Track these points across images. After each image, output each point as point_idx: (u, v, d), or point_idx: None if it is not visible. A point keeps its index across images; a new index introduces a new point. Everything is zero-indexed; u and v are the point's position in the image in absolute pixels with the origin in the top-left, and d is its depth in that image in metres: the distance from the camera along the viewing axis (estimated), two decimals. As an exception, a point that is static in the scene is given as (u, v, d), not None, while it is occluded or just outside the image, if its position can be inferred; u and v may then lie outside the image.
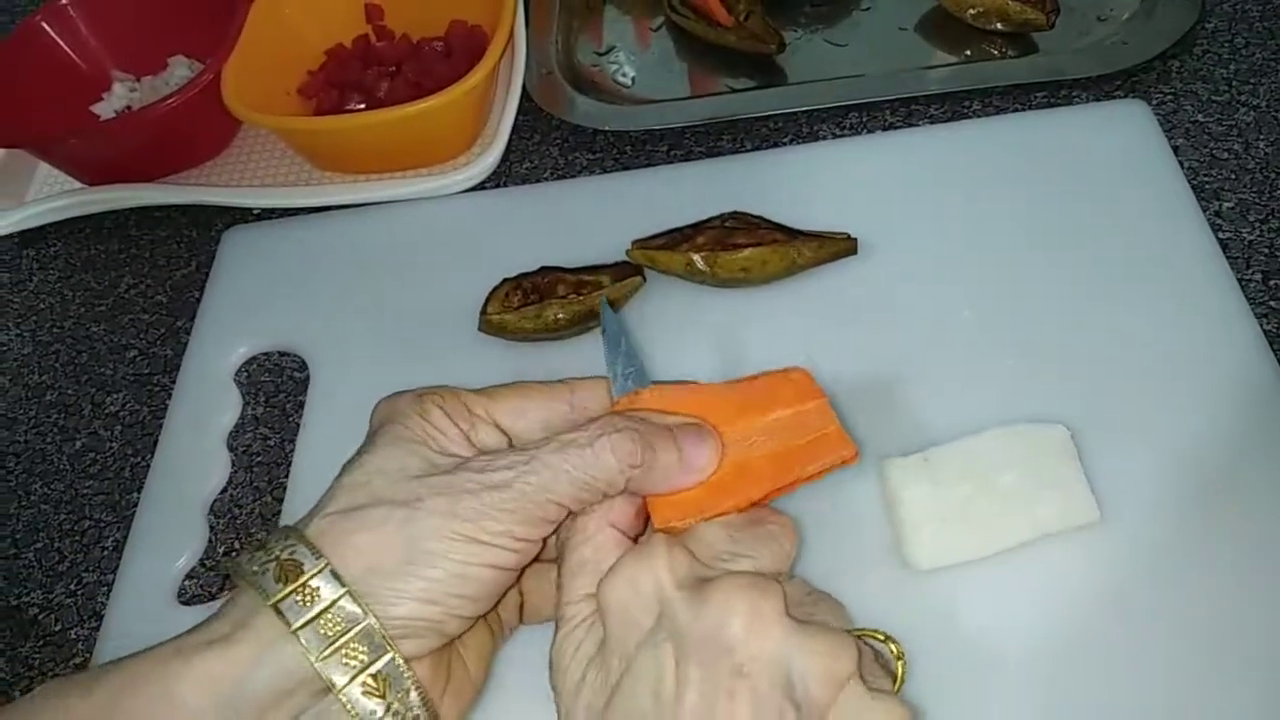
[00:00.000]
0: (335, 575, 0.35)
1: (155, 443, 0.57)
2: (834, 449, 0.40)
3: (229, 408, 0.58)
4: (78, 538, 0.56)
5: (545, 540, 0.38)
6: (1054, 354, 0.51)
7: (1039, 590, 0.44)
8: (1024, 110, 0.62)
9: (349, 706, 0.34)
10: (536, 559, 0.39)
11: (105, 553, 0.55)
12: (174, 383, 0.60)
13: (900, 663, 0.37)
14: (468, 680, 0.40)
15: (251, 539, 0.53)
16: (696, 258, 0.54)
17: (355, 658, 0.34)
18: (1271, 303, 0.52)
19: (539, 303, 0.55)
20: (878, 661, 0.37)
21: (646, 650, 0.34)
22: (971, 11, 0.65)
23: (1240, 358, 0.49)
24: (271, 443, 0.57)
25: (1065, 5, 0.64)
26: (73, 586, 0.54)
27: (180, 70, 0.76)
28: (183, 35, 0.75)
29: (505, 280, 0.57)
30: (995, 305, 0.53)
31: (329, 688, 0.34)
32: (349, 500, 0.37)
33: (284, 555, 0.35)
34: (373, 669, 0.35)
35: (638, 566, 0.36)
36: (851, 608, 0.39)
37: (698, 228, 0.56)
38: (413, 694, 0.36)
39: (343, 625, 0.34)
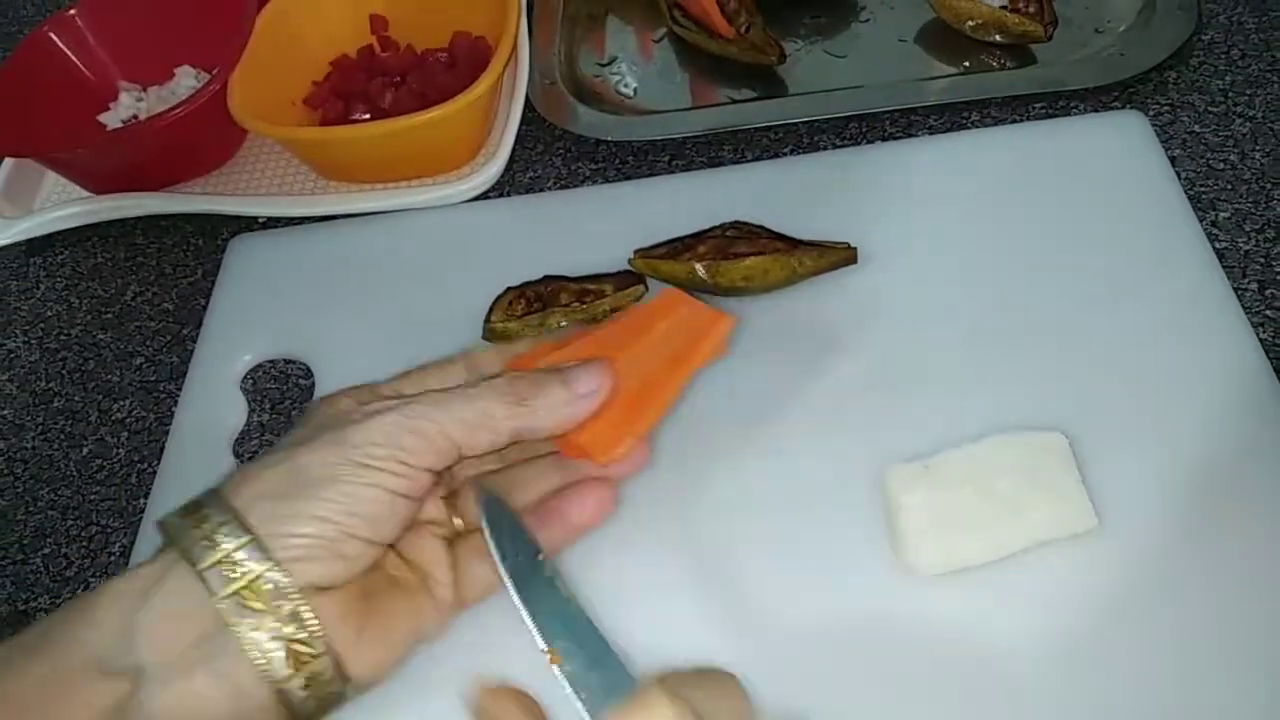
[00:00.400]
0: (227, 504, 0.37)
1: (162, 449, 0.58)
2: (712, 328, 0.47)
3: (235, 414, 0.59)
4: (85, 543, 0.56)
5: (440, 475, 0.41)
6: (1053, 362, 0.51)
7: (1039, 596, 0.44)
8: (1022, 121, 0.62)
9: (230, 620, 0.36)
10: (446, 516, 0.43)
11: (112, 558, 0.55)
12: (180, 390, 0.60)
13: None
14: (383, 644, 0.40)
15: None
16: (698, 267, 0.55)
17: (238, 568, 0.36)
18: (1267, 311, 0.52)
19: (542, 311, 0.55)
20: None
21: None
22: (970, 23, 0.66)
23: (1237, 366, 0.49)
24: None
25: (1063, 17, 0.65)
26: (80, 591, 0.55)
27: (187, 80, 0.76)
28: (189, 46, 0.76)
29: (509, 289, 0.57)
30: (994, 314, 0.53)
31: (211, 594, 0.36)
32: (262, 459, 0.40)
33: (194, 499, 0.39)
34: (254, 576, 0.36)
35: None
36: (852, 613, 0.39)
37: (699, 237, 0.57)
38: (300, 611, 0.36)
39: (229, 541, 0.36)
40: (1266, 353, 0.50)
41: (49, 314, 0.68)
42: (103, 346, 0.65)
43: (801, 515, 0.46)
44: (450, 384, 0.43)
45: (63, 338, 0.67)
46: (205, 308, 0.64)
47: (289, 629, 0.36)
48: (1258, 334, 0.51)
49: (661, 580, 0.47)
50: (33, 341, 0.67)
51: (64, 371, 0.65)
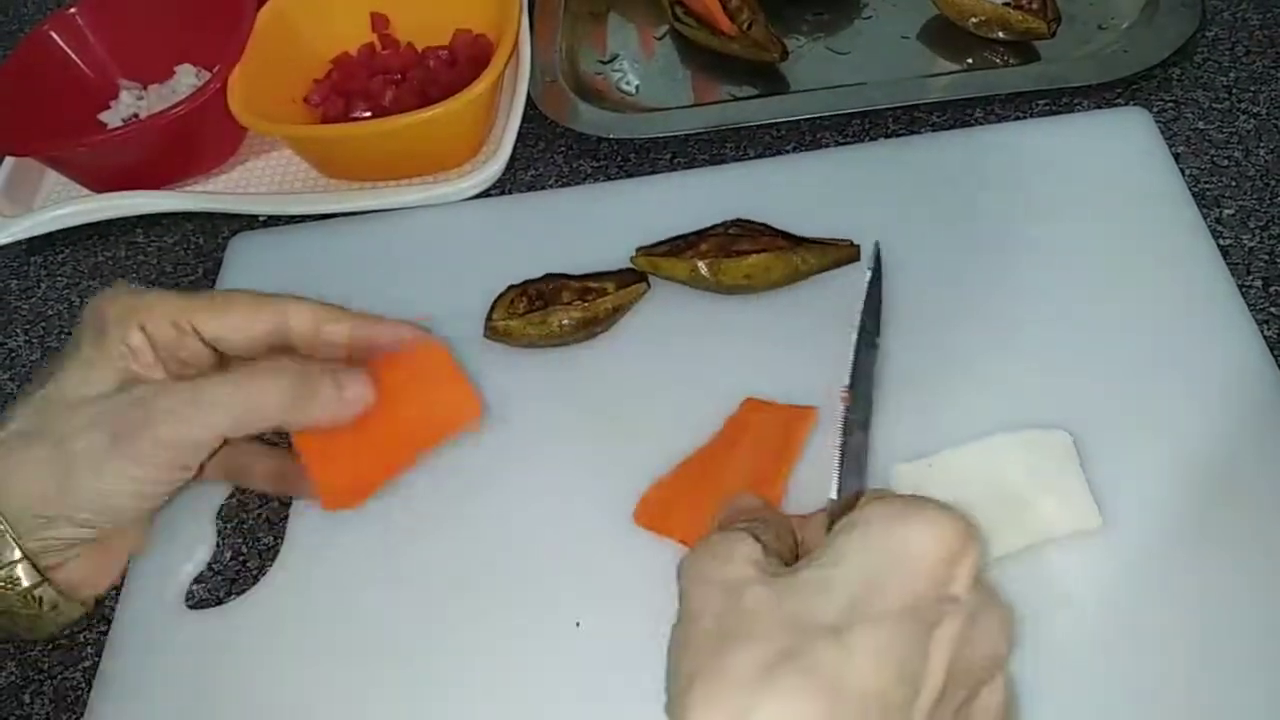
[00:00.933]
0: None
1: (163, 448, 0.58)
2: (461, 412, 0.49)
3: (236, 413, 0.58)
4: (86, 542, 0.56)
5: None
6: (1057, 359, 0.51)
7: (1045, 594, 0.44)
8: (1026, 118, 0.62)
9: None
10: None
11: (113, 557, 0.55)
12: (181, 389, 0.60)
13: None
14: (109, 567, 0.45)
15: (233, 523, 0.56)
16: (700, 265, 0.55)
17: None
18: (1272, 309, 0.52)
19: (544, 309, 0.55)
20: None
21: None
22: (973, 20, 0.66)
23: (1241, 363, 0.49)
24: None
25: (1067, 14, 0.65)
26: (81, 591, 0.54)
27: (187, 79, 0.76)
28: (190, 44, 0.76)
29: (510, 287, 0.57)
30: (997, 311, 0.53)
31: None
32: (22, 426, 0.41)
33: None
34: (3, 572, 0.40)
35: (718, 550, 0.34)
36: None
37: (701, 235, 0.57)
38: (40, 590, 0.41)
39: None
40: (1271, 350, 0.50)
41: (49, 313, 0.68)
42: (103, 345, 0.65)
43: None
44: (254, 334, 0.44)
45: (63, 336, 0.67)
46: (206, 306, 0.64)
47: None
48: (1262, 331, 0.50)
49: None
50: (34, 340, 0.67)
51: (65, 370, 0.65)
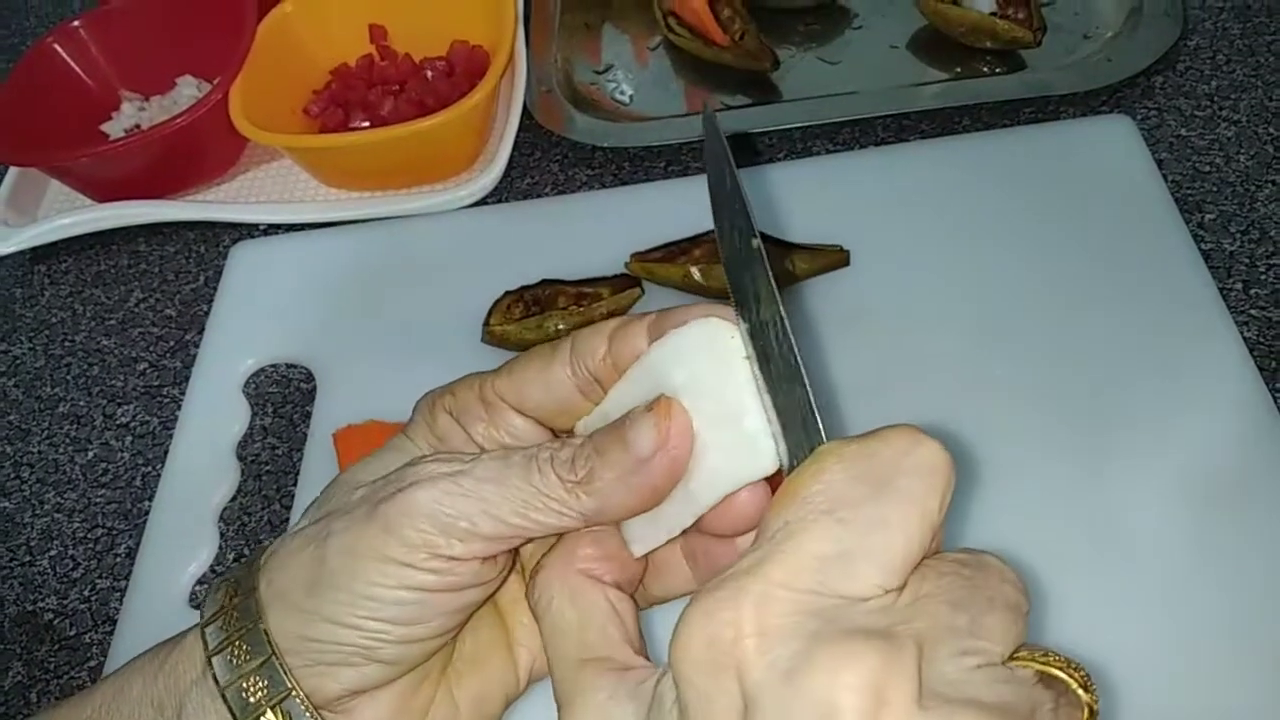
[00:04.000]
0: (256, 601, 0.32)
1: (166, 452, 0.59)
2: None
3: (238, 418, 0.59)
4: (91, 545, 0.57)
5: (509, 566, 0.33)
6: (1041, 361, 0.52)
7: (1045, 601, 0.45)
8: (1012, 126, 0.64)
9: None
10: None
11: (118, 560, 0.56)
12: (184, 394, 0.61)
13: (1088, 698, 0.24)
14: None
15: (234, 525, 0.55)
16: (694, 270, 0.56)
17: (256, 692, 0.32)
18: (1252, 311, 0.53)
19: (540, 314, 0.56)
20: (1058, 705, 0.24)
21: None
22: (961, 29, 0.67)
23: (1222, 364, 0.50)
24: (279, 452, 0.58)
25: (1052, 23, 0.66)
26: (87, 592, 0.55)
27: (188, 90, 0.77)
28: (190, 55, 0.77)
29: (507, 293, 0.58)
30: (984, 315, 0.54)
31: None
32: (311, 515, 0.34)
33: (237, 573, 0.34)
34: (275, 703, 0.31)
35: (712, 618, 0.24)
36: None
37: (694, 241, 0.58)
38: None
39: (248, 655, 0.32)
40: (1251, 351, 0.51)
41: (54, 320, 0.69)
42: (107, 352, 0.66)
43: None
44: (556, 382, 0.33)
45: (67, 344, 0.68)
46: (207, 314, 0.65)
47: None
48: (1242, 333, 0.51)
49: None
50: (38, 348, 0.68)
51: (69, 377, 0.66)
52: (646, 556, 0.33)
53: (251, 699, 0.31)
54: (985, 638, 0.24)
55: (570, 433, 0.35)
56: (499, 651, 0.36)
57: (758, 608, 0.24)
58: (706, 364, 0.30)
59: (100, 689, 0.35)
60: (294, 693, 0.31)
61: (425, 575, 0.31)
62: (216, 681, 0.32)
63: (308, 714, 0.32)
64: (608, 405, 0.33)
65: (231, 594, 0.33)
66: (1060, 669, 0.24)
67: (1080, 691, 0.24)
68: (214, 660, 0.32)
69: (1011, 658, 0.24)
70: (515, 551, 0.34)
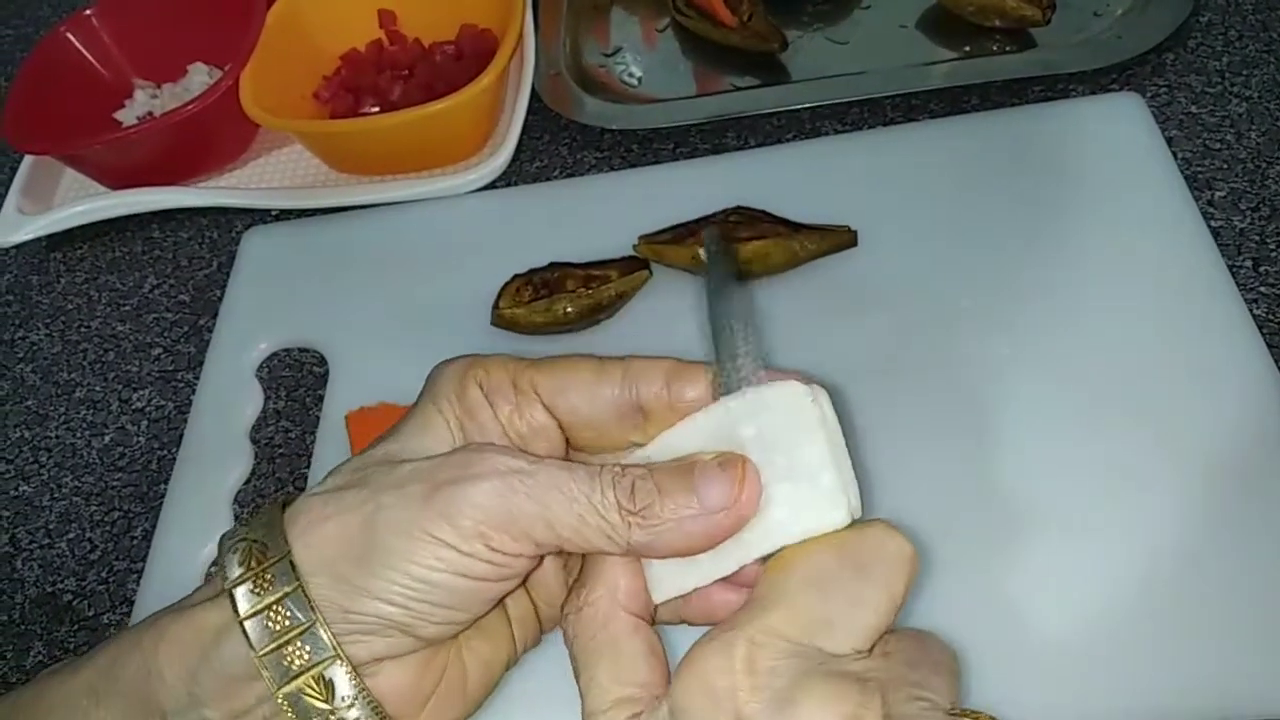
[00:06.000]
0: (292, 566, 0.32)
1: (181, 436, 0.59)
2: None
3: (251, 402, 0.60)
4: (108, 528, 0.58)
5: (540, 559, 0.34)
6: (1051, 340, 0.52)
7: (1047, 589, 0.45)
8: (1022, 104, 0.63)
9: (285, 708, 0.32)
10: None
11: (135, 542, 0.57)
12: (198, 379, 0.62)
13: None
14: (462, 690, 0.36)
15: (240, 508, 0.56)
16: (702, 251, 0.56)
17: (298, 657, 0.32)
18: (1261, 288, 0.53)
19: (549, 297, 0.57)
20: None
21: None
22: (970, 8, 0.66)
23: (1231, 341, 0.50)
24: (293, 435, 0.59)
25: (1061, 1, 0.66)
26: (104, 574, 0.56)
27: (199, 77, 0.78)
28: (202, 43, 0.77)
29: (516, 276, 0.58)
30: (993, 294, 0.54)
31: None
32: (341, 480, 0.34)
33: (255, 536, 0.33)
34: (314, 672, 0.32)
35: (712, 660, 0.29)
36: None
37: (703, 222, 0.58)
38: (359, 704, 0.32)
39: (289, 621, 0.32)
40: (1260, 329, 0.50)
41: (69, 307, 0.70)
42: (122, 338, 0.67)
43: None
44: (598, 403, 0.35)
45: (83, 330, 0.68)
46: (221, 299, 0.66)
47: (352, 717, 0.32)
48: (1252, 310, 0.51)
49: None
50: (54, 334, 0.69)
51: (85, 363, 0.66)
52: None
53: (293, 665, 0.32)
54: (933, 691, 0.29)
55: (577, 447, 0.36)
56: (502, 622, 0.37)
57: (750, 652, 0.29)
58: (782, 421, 0.32)
59: (88, 666, 0.35)
60: (339, 659, 0.32)
61: (478, 564, 0.32)
62: (251, 646, 0.32)
63: (351, 679, 0.32)
64: (672, 440, 0.34)
65: (259, 557, 0.33)
66: None
67: None
68: (246, 625, 0.32)
69: (949, 712, 0.29)
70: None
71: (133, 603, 0.54)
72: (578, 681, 0.32)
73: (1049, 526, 0.46)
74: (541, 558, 0.34)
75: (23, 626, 0.55)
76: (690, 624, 0.35)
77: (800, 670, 0.28)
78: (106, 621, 0.54)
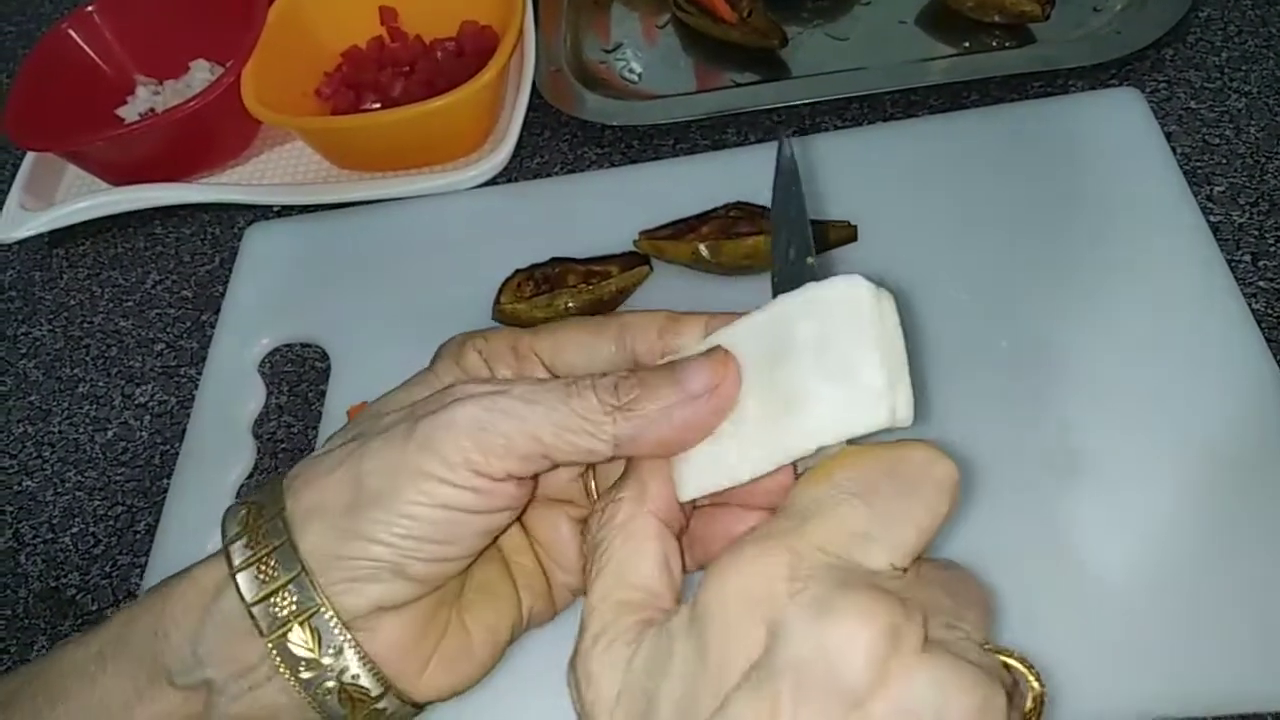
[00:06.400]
0: (284, 520, 0.33)
1: (183, 431, 0.60)
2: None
3: (253, 397, 0.60)
4: (111, 522, 0.58)
5: (533, 488, 0.34)
6: (1050, 335, 0.52)
7: (1044, 587, 0.45)
8: (1021, 100, 0.63)
9: (273, 656, 0.33)
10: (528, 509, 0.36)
11: (138, 536, 0.57)
12: (200, 374, 0.62)
13: (1036, 698, 0.29)
14: (466, 653, 0.36)
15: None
16: (702, 247, 0.56)
17: (286, 607, 0.32)
18: (1260, 283, 0.53)
19: (550, 292, 0.57)
20: (1016, 688, 0.29)
21: (747, 691, 0.26)
22: (969, 4, 0.67)
23: (1230, 336, 0.50)
24: (295, 430, 0.59)
25: (1061, -3, 0.66)
26: (108, 568, 0.57)
27: (201, 74, 0.78)
28: (203, 40, 0.78)
29: (517, 271, 0.59)
30: (992, 288, 0.55)
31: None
32: (337, 441, 0.35)
33: (254, 498, 0.35)
34: (301, 618, 0.32)
35: (749, 565, 0.28)
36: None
37: (703, 218, 0.58)
38: (346, 654, 0.33)
39: (278, 571, 0.33)
40: (1259, 323, 0.51)
41: (72, 303, 0.70)
42: (124, 333, 0.67)
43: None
44: (595, 357, 0.36)
45: (86, 325, 0.69)
46: (223, 294, 0.66)
47: (342, 669, 0.33)
48: (1250, 305, 0.51)
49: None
50: (57, 329, 0.69)
51: (88, 358, 0.67)
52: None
53: (281, 613, 0.33)
54: (968, 623, 0.28)
55: None
56: (506, 585, 0.38)
57: (791, 560, 0.27)
58: (839, 319, 0.31)
59: (101, 633, 0.36)
60: (323, 607, 0.32)
61: (464, 494, 0.32)
62: (242, 598, 0.33)
63: (336, 628, 0.33)
64: (725, 339, 0.34)
65: (255, 515, 0.34)
66: (1020, 662, 0.28)
67: (1035, 683, 0.28)
68: (239, 577, 0.33)
69: (982, 646, 0.28)
70: (535, 483, 0.35)
71: (135, 597, 0.54)
72: (587, 571, 0.32)
73: (1036, 518, 0.47)
74: (534, 487, 0.34)
75: (26, 621, 0.55)
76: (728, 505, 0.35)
77: (841, 580, 0.27)
78: (110, 616, 0.54)
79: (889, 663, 0.26)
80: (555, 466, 0.33)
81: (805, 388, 0.31)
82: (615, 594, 0.31)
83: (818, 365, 0.31)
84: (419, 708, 0.36)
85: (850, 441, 0.31)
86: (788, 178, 0.35)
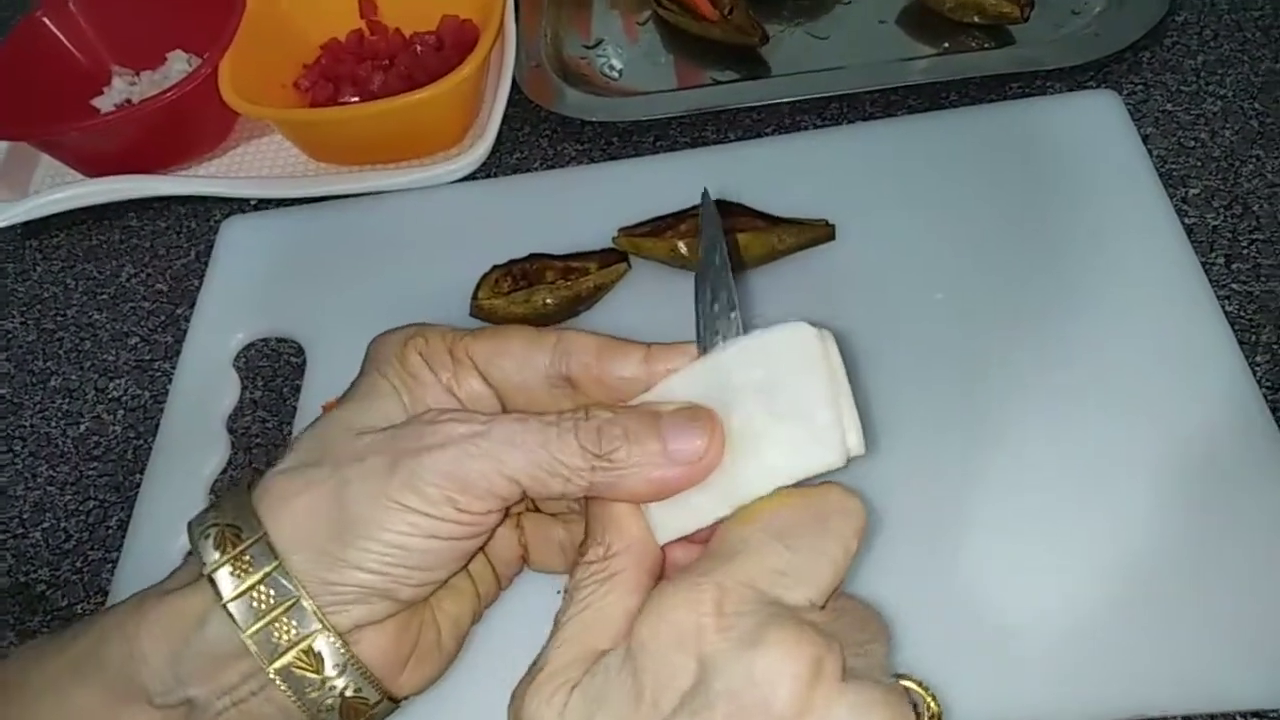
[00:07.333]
0: (269, 546, 0.34)
1: (157, 426, 0.59)
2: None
3: (228, 392, 0.60)
4: (83, 517, 0.58)
5: (508, 510, 0.35)
6: (1025, 335, 0.53)
7: (1015, 580, 0.45)
8: (999, 101, 0.64)
9: (278, 682, 0.34)
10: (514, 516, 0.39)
11: (110, 531, 0.57)
12: (175, 368, 0.62)
13: (934, 717, 0.32)
14: (436, 647, 0.38)
15: (213, 494, 0.56)
16: (680, 244, 0.56)
17: (286, 633, 0.33)
18: (1233, 285, 0.54)
19: (528, 288, 0.57)
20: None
21: (684, 718, 0.29)
22: (949, 5, 0.67)
23: (1203, 337, 0.51)
24: (270, 425, 0.59)
25: (1040, -1, 0.66)
26: (79, 564, 0.56)
27: (178, 65, 0.77)
28: (181, 30, 0.77)
29: (495, 267, 0.58)
30: (968, 289, 0.55)
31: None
32: (303, 456, 0.35)
33: (225, 520, 0.35)
34: (303, 644, 0.34)
35: (680, 601, 0.30)
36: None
37: (681, 215, 0.58)
38: (349, 672, 0.34)
39: (274, 599, 0.33)
40: (1232, 325, 0.51)
41: (45, 295, 0.70)
42: (98, 326, 0.67)
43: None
44: (530, 371, 0.37)
45: (59, 318, 0.68)
46: (198, 288, 0.65)
47: (345, 685, 0.35)
48: (1223, 306, 0.52)
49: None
50: (30, 322, 0.68)
51: (61, 351, 0.66)
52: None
53: (281, 640, 0.33)
54: (875, 653, 0.31)
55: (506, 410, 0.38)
56: (467, 580, 0.40)
57: (718, 597, 0.30)
58: (785, 363, 0.33)
59: (70, 647, 0.36)
60: (323, 631, 0.34)
61: (446, 525, 0.33)
62: (238, 627, 0.33)
63: (340, 648, 0.34)
64: (673, 386, 0.35)
65: (234, 541, 0.34)
66: (918, 685, 0.32)
67: (932, 703, 0.32)
68: (231, 607, 0.33)
69: (886, 673, 0.31)
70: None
71: (107, 593, 0.54)
72: (557, 618, 0.33)
73: (1012, 516, 0.47)
74: (509, 508, 0.35)
75: (-4, 616, 0.55)
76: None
77: (767, 615, 0.29)
78: (80, 611, 0.54)
79: (814, 691, 0.28)
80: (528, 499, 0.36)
81: (761, 431, 0.33)
82: (584, 639, 0.32)
83: (770, 409, 0.33)
84: (398, 704, 0.38)
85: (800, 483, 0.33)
86: (712, 229, 0.37)
